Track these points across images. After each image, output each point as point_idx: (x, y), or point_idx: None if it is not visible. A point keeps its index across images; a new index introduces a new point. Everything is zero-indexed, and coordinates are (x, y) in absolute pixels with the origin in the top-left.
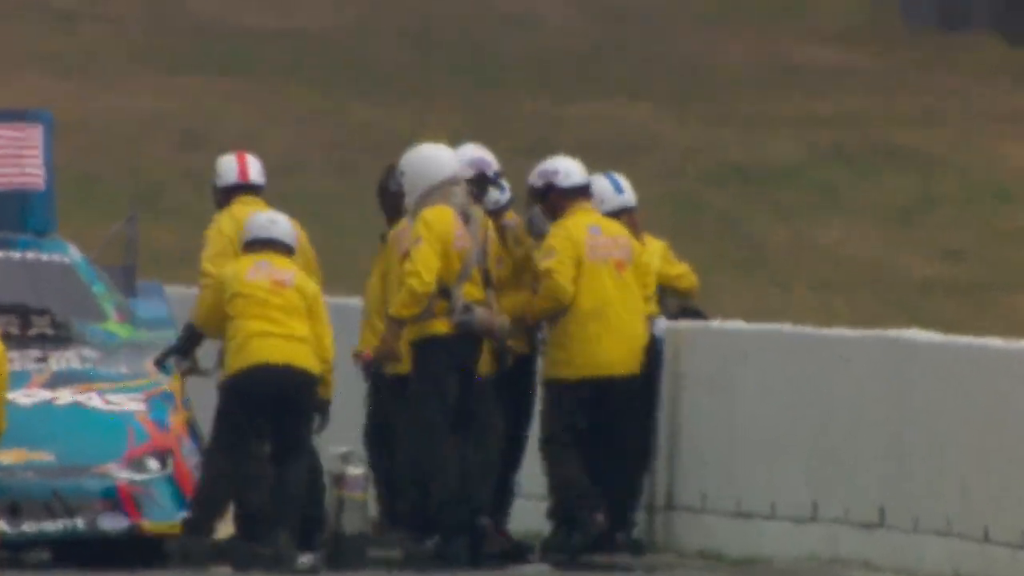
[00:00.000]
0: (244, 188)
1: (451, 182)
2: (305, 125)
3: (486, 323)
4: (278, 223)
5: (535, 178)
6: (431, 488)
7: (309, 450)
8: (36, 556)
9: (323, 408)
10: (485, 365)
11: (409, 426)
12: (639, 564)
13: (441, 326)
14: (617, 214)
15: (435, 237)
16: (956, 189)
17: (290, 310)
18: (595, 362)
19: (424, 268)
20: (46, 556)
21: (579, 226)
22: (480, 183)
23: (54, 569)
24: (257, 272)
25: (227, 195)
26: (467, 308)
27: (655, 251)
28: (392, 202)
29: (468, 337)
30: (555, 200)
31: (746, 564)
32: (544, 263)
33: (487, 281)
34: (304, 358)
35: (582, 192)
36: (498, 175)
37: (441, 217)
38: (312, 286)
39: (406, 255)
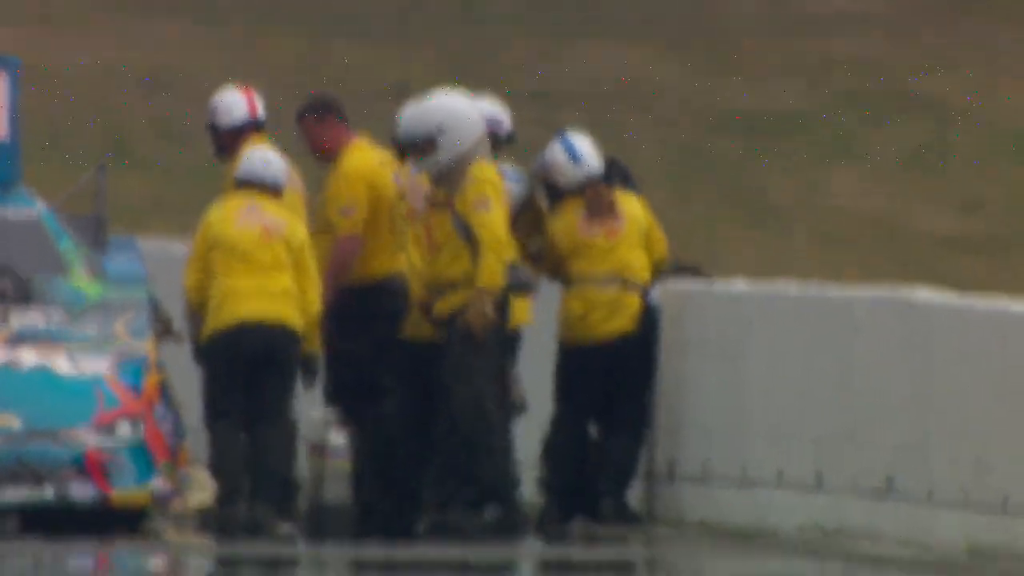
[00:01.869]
0: (254, 127)
1: (484, 135)
2: (281, 72)
3: (529, 279)
4: (272, 163)
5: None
6: (487, 462)
7: (287, 413)
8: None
9: (309, 363)
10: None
11: (465, 404)
12: (636, 534)
13: None
14: (581, 188)
15: (499, 197)
16: (974, 139)
17: (276, 264)
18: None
19: (505, 234)
20: (12, 525)
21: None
22: (492, 143)
23: (23, 538)
24: (248, 217)
25: (235, 136)
26: (515, 266)
27: (638, 212)
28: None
29: (505, 301)
30: None
31: (750, 535)
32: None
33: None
34: (284, 313)
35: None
36: (512, 134)
37: (495, 175)
38: (300, 234)
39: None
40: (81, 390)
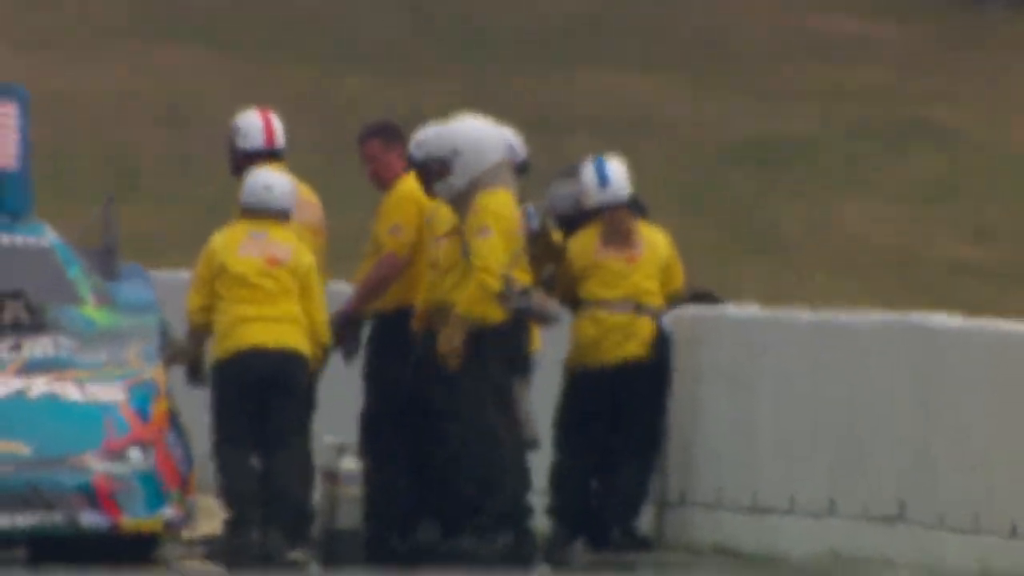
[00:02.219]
0: (269, 154)
1: (503, 162)
2: (294, 101)
3: (542, 308)
4: (274, 189)
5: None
6: (497, 490)
7: (302, 439)
8: (11, 554)
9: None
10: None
11: (470, 430)
12: (648, 560)
13: (495, 315)
14: (599, 211)
15: (503, 227)
16: (984, 166)
17: (281, 292)
18: None
19: (496, 263)
20: (21, 553)
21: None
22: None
23: (33, 567)
24: (251, 246)
25: (249, 160)
26: (525, 292)
27: (660, 244)
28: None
29: (519, 324)
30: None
31: (762, 560)
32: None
33: (535, 264)
34: (293, 339)
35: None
36: (526, 164)
37: (506, 203)
38: (306, 261)
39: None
40: (90, 417)
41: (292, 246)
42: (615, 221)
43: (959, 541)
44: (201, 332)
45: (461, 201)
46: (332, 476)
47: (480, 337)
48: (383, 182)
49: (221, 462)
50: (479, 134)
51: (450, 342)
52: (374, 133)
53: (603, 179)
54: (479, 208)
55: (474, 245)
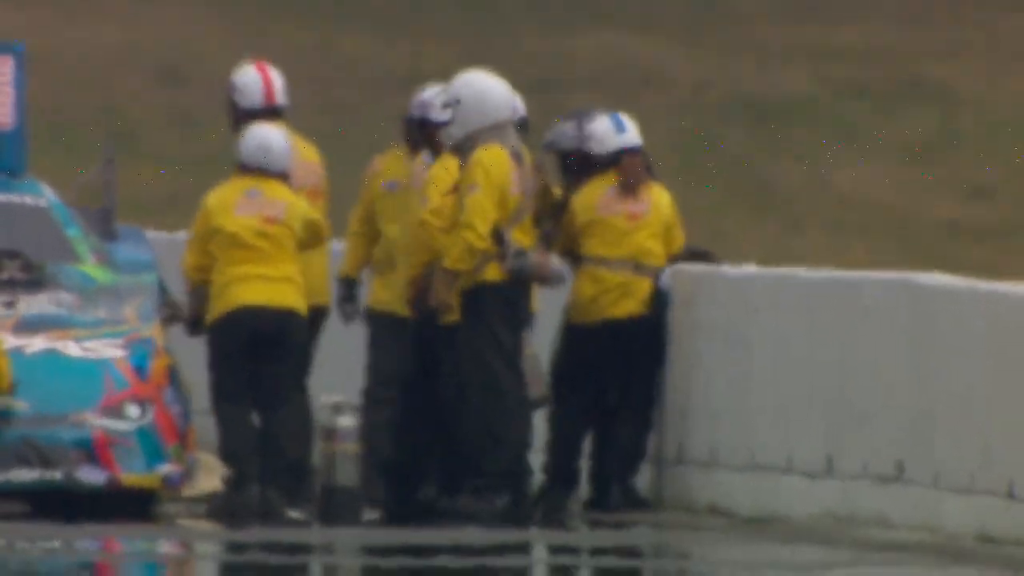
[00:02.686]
0: (270, 111)
1: (508, 121)
2: (291, 60)
3: (539, 268)
4: (272, 150)
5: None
6: (499, 447)
7: (300, 397)
8: (13, 508)
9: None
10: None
11: (473, 385)
12: (643, 519)
13: (494, 273)
14: (617, 156)
15: (493, 184)
16: (980, 126)
17: (277, 250)
18: None
19: (480, 219)
20: (20, 508)
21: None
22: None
23: (32, 522)
24: (248, 205)
25: (250, 118)
26: (520, 253)
27: (665, 204)
28: (420, 131)
29: (521, 284)
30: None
31: (759, 520)
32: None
33: (537, 224)
34: (287, 297)
35: None
36: (525, 122)
37: (499, 160)
38: (300, 212)
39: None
40: (89, 373)
41: (286, 202)
42: (633, 165)
43: (956, 501)
44: (201, 288)
45: (461, 156)
46: (330, 434)
47: (479, 295)
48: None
49: (220, 419)
50: (483, 86)
51: (437, 296)
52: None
53: (619, 125)
54: (472, 163)
55: (463, 201)
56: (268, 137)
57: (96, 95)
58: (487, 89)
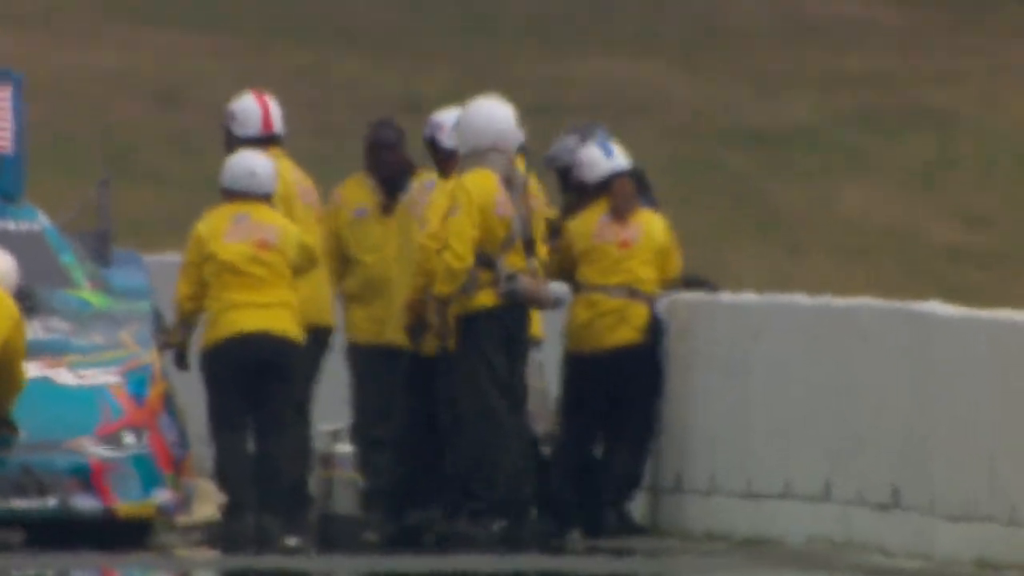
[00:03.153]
0: (267, 139)
1: (499, 145)
2: (287, 83)
3: (531, 292)
4: (257, 174)
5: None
6: (494, 473)
7: (299, 422)
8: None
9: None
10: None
11: (468, 411)
12: (640, 546)
13: (486, 298)
14: (608, 181)
15: (474, 206)
16: (979, 151)
17: (272, 276)
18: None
19: (458, 242)
20: (18, 538)
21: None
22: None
23: (28, 550)
24: (237, 231)
25: (244, 145)
26: (511, 277)
27: (657, 229)
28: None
29: (514, 308)
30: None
31: (756, 544)
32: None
33: (529, 249)
34: (283, 323)
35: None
36: (523, 147)
37: (482, 183)
38: (292, 236)
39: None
40: (85, 400)
41: (279, 225)
42: (623, 189)
43: (953, 528)
44: (190, 320)
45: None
46: (327, 460)
47: (473, 321)
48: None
49: (218, 447)
50: (477, 112)
51: (431, 323)
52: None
53: (607, 150)
54: (456, 186)
55: (445, 223)
56: (253, 161)
57: (94, 119)
58: (480, 113)
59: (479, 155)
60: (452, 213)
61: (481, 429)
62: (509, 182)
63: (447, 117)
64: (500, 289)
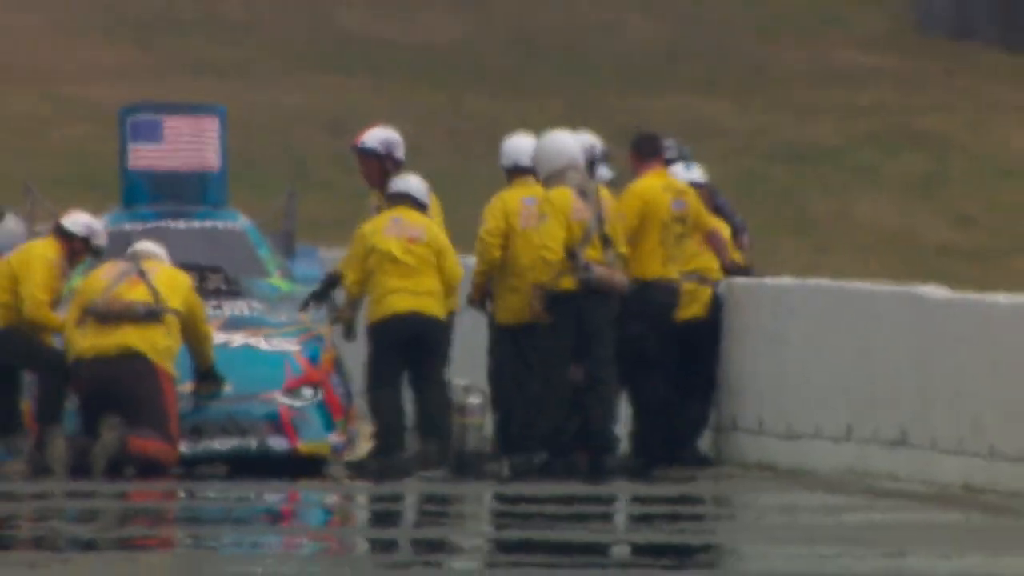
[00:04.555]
0: (393, 161)
1: (569, 166)
2: (429, 116)
3: (605, 279)
4: (410, 181)
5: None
6: (541, 417)
7: (441, 382)
8: (216, 470)
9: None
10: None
11: (543, 372)
12: (707, 475)
13: (568, 283)
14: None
15: (557, 213)
16: (966, 167)
17: (421, 265)
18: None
19: (552, 240)
20: (222, 471)
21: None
22: (589, 163)
23: (231, 480)
24: (393, 229)
25: (377, 165)
26: (587, 267)
27: (724, 231)
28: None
29: (591, 292)
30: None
31: (795, 474)
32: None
33: (605, 244)
34: (430, 307)
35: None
36: (605, 154)
37: (560, 196)
38: (440, 237)
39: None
40: (275, 363)
41: (424, 224)
42: (700, 197)
43: (947, 461)
44: (356, 301)
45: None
46: (461, 409)
47: (555, 300)
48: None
49: (374, 401)
50: (547, 143)
51: (531, 304)
52: (635, 140)
53: (688, 165)
54: (542, 200)
55: (539, 229)
56: (412, 177)
57: (280, 144)
58: (551, 144)
59: (558, 174)
60: (542, 220)
61: (546, 388)
62: (583, 192)
63: (523, 142)
64: (578, 276)
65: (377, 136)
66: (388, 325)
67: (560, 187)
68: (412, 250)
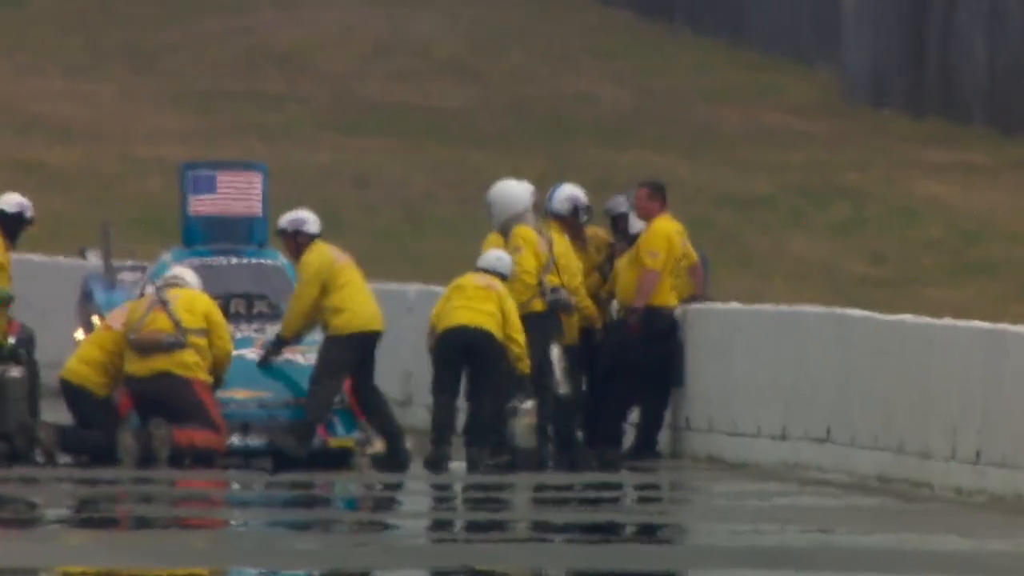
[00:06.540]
0: None
1: (526, 210)
2: (438, 170)
3: (567, 300)
4: (503, 259)
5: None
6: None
7: (496, 388)
8: (262, 463)
9: (520, 382)
10: (571, 338)
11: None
12: (662, 466)
13: (538, 305)
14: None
15: (530, 245)
16: (880, 213)
17: (487, 299)
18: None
19: (529, 267)
20: (268, 464)
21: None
22: (575, 212)
23: (273, 472)
24: (476, 279)
25: None
26: (555, 290)
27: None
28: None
29: (554, 312)
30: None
31: (739, 466)
32: (650, 261)
33: (557, 272)
34: (486, 322)
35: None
36: (587, 207)
37: (527, 232)
38: (508, 299)
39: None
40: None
41: (499, 283)
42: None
43: (865, 455)
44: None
45: (505, 233)
46: (513, 411)
47: (528, 320)
48: (642, 217)
49: (436, 402)
50: (503, 192)
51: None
52: (645, 184)
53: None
54: (512, 235)
55: (515, 258)
56: (500, 253)
57: (313, 195)
58: (504, 192)
59: (518, 216)
60: (518, 251)
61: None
62: (538, 231)
63: (621, 200)
64: (548, 298)
65: (287, 216)
66: (449, 335)
67: (522, 226)
68: (483, 292)
